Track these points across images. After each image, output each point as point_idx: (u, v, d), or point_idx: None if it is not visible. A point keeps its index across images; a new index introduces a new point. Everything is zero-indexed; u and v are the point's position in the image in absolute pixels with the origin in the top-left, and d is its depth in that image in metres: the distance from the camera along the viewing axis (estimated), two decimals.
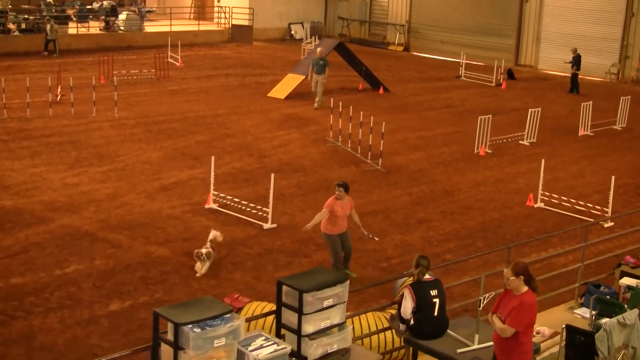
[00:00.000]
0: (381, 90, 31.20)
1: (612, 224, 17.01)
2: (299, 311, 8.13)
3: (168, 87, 29.80)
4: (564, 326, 10.00)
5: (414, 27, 45.01)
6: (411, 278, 9.43)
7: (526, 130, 24.09)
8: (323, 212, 13.26)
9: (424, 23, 44.50)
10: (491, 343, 9.07)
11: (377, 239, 14.66)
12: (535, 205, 18.13)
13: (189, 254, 14.36)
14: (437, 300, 9.17)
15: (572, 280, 12.93)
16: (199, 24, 43.71)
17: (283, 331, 8.41)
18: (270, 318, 9.49)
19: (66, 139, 21.70)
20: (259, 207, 16.49)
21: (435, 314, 9.12)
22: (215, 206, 16.88)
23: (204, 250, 13.68)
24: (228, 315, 7.54)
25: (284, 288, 8.32)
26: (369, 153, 20.80)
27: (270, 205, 16.01)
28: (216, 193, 17.12)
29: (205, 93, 29.19)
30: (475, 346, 8.98)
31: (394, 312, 9.71)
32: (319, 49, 28.20)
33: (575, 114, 26.90)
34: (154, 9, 46.05)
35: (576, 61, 32.83)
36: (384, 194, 18.53)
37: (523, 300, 8.24)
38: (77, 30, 38.87)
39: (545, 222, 17.18)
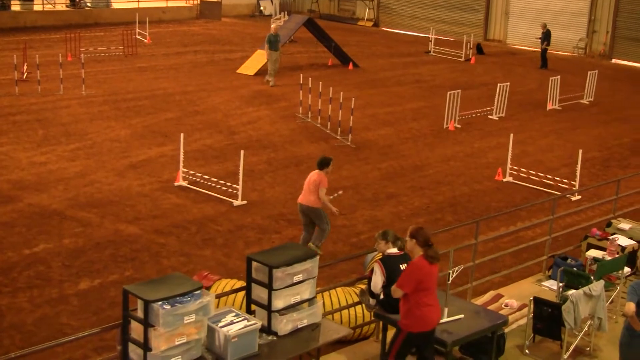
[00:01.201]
0: (351, 66, 31.16)
1: (579, 197, 17.19)
2: (269, 287, 8.16)
3: (136, 64, 29.55)
4: (531, 298, 10.12)
5: (384, 3, 44.92)
6: (380, 253, 9.45)
7: (495, 105, 24.20)
8: (324, 190, 13.31)
9: None
10: (461, 315, 9.16)
11: (341, 192, 14.63)
12: (504, 180, 18.26)
13: (158, 231, 14.33)
14: None
15: (540, 253, 13.07)
16: (167, 0, 43.30)
17: (253, 307, 8.44)
18: (241, 294, 9.51)
19: (33, 117, 21.47)
20: (229, 184, 16.45)
21: None
22: (184, 183, 16.82)
23: None
24: (198, 292, 7.55)
25: (254, 264, 8.35)
26: (339, 129, 20.80)
27: (240, 182, 15.98)
28: (186, 170, 17.05)
29: (174, 70, 28.99)
30: (445, 319, 9.05)
31: (364, 287, 9.75)
32: (273, 25, 27.96)
33: (543, 88, 27.06)
34: None
35: (546, 36, 33.00)
36: (354, 169, 18.56)
37: (412, 262, 8.51)
38: (43, 7, 38.34)
39: (514, 196, 17.31)
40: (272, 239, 14.28)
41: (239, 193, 16.00)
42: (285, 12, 40.24)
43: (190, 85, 26.37)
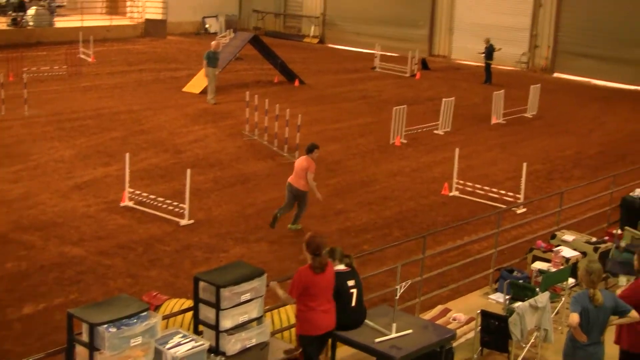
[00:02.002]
0: (297, 83, 31.25)
1: (524, 209, 17.43)
2: (217, 307, 8.11)
3: (80, 84, 29.25)
4: (479, 312, 10.22)
5: (329, 19, 45.18)
6: None
7: (440, 119, 24.46)
8: (312, 175, 15.27)
9: (338, 15, 44.68)
10: (410, 330, 9.21)
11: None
12: (450, 194, 18.44)
13: (104, 252, 14.18)
14: (354, 290, 9.24)
15: (487, 266, 13.20)
16: (111, 19, 42.96)
17: (201, 327, 8.38)
18: (189, 315, 9.43)
19: None
20: (176, 203, 16.34)
21: (353, 304, 9.19)
22: (130, 204, 16.68)
23: None
24: (144, 313, 7.48)
25: (201, 284, 8.30)
26: (286, 146, 20.83)
27: (187, 201, 15.90)
28: (132, 190, 16.90)
29: (119, 89, 28.77)
30: (393, 335, 9.09)
31: None
32: (213, 42, 27.90)
33: (487, 102, 27.43)
34: (64, 3, 45.01)
35: (489, 51, 33.50)
36: None
37: (298, 269, 8.77)
38: None
39: (460, 209, 17.49)
40: (220, 258, 14.22)
41: (186, 212, 15.91)
42: (231, 30, 40.24)
43: (135, 104, 26.18)
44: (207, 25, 46.33)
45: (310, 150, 15.42)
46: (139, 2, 43.75)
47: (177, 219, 15.93)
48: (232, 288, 8.13)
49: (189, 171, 15.95)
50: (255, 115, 22.43)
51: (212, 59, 26.89)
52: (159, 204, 16.49)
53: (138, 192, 16.94)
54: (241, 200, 17.38)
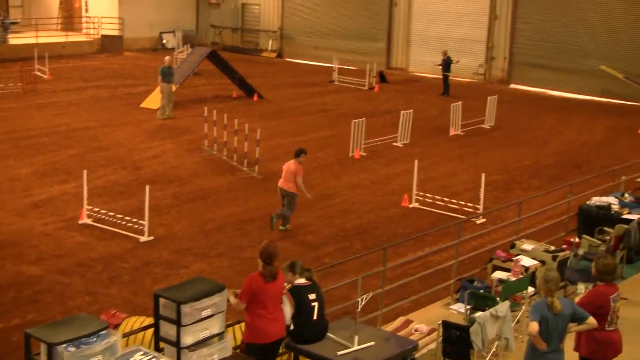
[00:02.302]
0: (255, 97, 31.25)
1: (483, 220, 17.57)
2: (177, 323, 8.04)
3: (36, 101, 28.95)
4: (440, 322, 10.26)
5: (287, 34, 45.28)
6: (289, 285, 9.46)
7: (399, 132, 24.60)
8: (301, 179, 16.24)
9: (296, 29, 44.81)
10: (372, 343, 9.21)
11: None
12: (411, 206, 18.54)
13: (62, 271, 14.01)
14: (315, 303, 9.24)
15: (448, 277, 13.28)
16: (66, 35, 42.64)
17: (162, 344, 8.31)
18: (149, 332, 9.35)
19: None
20: (135, 220, 16.23)
21: (315, 317, 9.18)
22: (89, 221, 16.52)
23: None
24: (104, 331, 7.39)
25: (161, 300, 8.23)
26: (245, 160, 20.81)
27: (146, 218, 15.79)
28: (90, 207, 16.75)
29: (75, 106, 28.52)
30: (355, 347, 9.08)
31: None
32: (167, 57, 27.81)
33: (445, 114, 27.65)
34: (19, 20, 44.59)
35: (446, 63, 33.81)
36: (261, 200, 18.55)
37: (249, 276, 8.95)
38: None
39: (421, 221, 17.58)
40: (181, 274, 14.13)
41: (145, 229, 15.80)
42: (188, 45, 40.14)
43: (92, 121, 25.97)
44: (164, 41, 46.18)
45: (297, 154, 16.45)
46: (94, 19, 43.47)
47: (136, 236, 15.81)
48: (193, 304, 8.07)
49: (147, 187, 15.86)
50: (214, 130, 22.38)
51: (167, 74, 26.81)
52: (118, 221, 16.36)
53: (96, 209, 16.80)
54: (201, 216, 17.30)
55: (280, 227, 16.63)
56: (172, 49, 42.99)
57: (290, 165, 16.43)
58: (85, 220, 16.54)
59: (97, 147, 22.69)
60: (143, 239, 15.71)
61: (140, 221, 16.03)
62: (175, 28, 46.76)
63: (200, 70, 34.45)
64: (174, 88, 28.26)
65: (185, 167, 21.07)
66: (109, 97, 30.41)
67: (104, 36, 43.38)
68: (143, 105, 28.73)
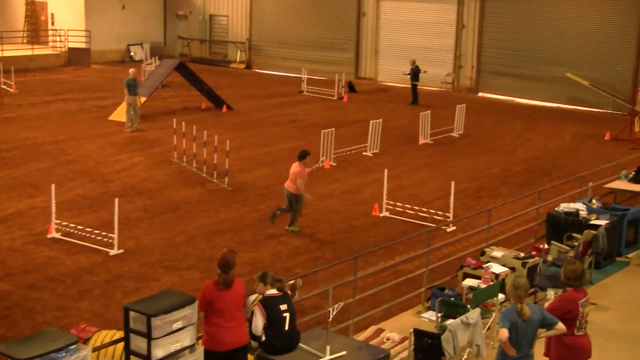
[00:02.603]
0: (224, 109, 31.21)
1: (454, 228, 17.65)
2: (148, 336, 8.01)
3: (2, 115, 28.70)
4: (412, 330, 10.29)
5: (255, 45, 45.30)
6: (260, 295, 9.47)
7: (369, 141, 24.67)
8: (301, 181, 16.67)
9: (264, 40, 44.86)
10: (343, 352, 9.23)
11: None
12: (381, 215, 18.59)
13: (31, 286, 13.89)
14: (287, 314, 9.26)
15: (419, 285, 13.32)
16: (33, 48, 42.36)
17: (133, 358, 8.27)
18: (120, 346, 9.29)
19: None
20: (104, 233, 16.13)
21: (286, 328, 9.20)
22: (58, 235, 16.40)
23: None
24: (73, 346, 7.35)
25: (132, 314, 8.19)
26: (215, 172, 20.77)
27: (116, 231, 15.70)
28: (59, 221, 16.62)
29: (43, 119, 28.32)
30: (327, 357, 9.11)
31: None
32: (131, 70, 27.71)
33: (415, 123, 27.78)
34: None
35: (414, 73, 34.02)
36: (232, 212, 18.53)
37: (205, 283, 9.12)
38: None
39: (391, 230, 17.64)
40: (151, 287, 14.05)
41: (115, 242, 15.71)
42: (156, 57, 40.02)
43: (60, 134, 25.80)
44: (132, 53, 46.03)
45: (301, 156, 17.01)
46: (61, 31, 43.21)
47: (106, 249, 15.71)
48: (164, 317, 8.05)
49: (117, 200, 15.78)
50: (183, 142, 22.33)
51: (133, 87, 26.73)
52: (88, 235, 16.24)
53: (65, 223, 16.67)
54: (171, 228, 17.24)
55: (287, 228, 17.20)
56: (140, 61, 42.85)
57: (294, 167, 17.01)
58: (54, 234, 16.41)
59: (66, 161, 22.54)
60: (113, 252, 15.62)
61: (109, 234, 15.93)
62: (143, 40, 46.64)
63: (169, 82, 34.36)
64: (142, 100, 28.19)
65: (155, 180, 20.99)
66: (76, 110, 30.23)
67: (71, 49, 43.14)
68: (111, 118, 28.59)
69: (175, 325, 8.17)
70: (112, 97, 32.26)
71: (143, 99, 28.63)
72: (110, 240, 15.81)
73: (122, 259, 15.42)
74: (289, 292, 12.82)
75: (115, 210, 15.58)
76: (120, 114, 28.47)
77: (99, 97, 33.15)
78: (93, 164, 22.30)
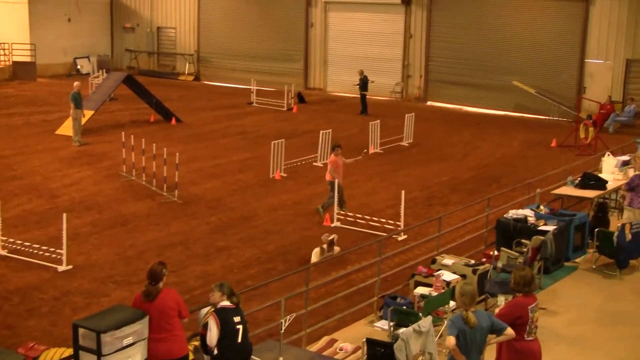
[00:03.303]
0: (173, 121, 31.05)
1: (405, 236, 17.74)
2: (98, 353, 7.94)
3: None
4: (364, 340, 10.32)
5: (203, 56, 45.17)
6: (213, 307, 9.42)
7: (319, 151, 24.72)
8: (332, 168, 18.97)
9: (213, 52, 44.76)
10: None
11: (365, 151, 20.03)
12: (332, 225, 18.61)
13: None
14: (240, 326, 9.23)
15: (371, 294, 13.35)
16: None
17: None
18: None
19: None
20: (53, 249, 15.91)
21: (239, 340, 9.16)
22: (4, 252, 16.12)
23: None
24: None
25: (81, 330, 8.11)
26: (165, 185, 20.63)
27: (64, 246, 15.49)
28: (5, 238, 16.35)
29: None
30: None
31: (197, 343, 9.65)
32: (76, 83, 27.45)
33: (364, 133, 27.92)
34: None
35: (363, 83, 34.24)
36: (182, 225, 18.41)
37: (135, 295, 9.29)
38: None
39: (343, 240, 17.62)
40: (101, 303, 13.88)
41: (64, 258, 15.50)
42: (104, 70, 39.67)
43: (6, 149, 25.40)
44: (78, 67, 45.60)
45: (333, 148, 19.56)
46: (5, 45, 42.61)
47: (54, 266, 15.49)
48: (114, 333, 7.99)
49: (65, 215, 15.57)
50: (132, 155, 22.15)
51: (79, 100, 26.49)
52: (35, 251, 16.00)
53: (12, 240, 16.42)
54: (121, 243, 17.07)
55: (317, 207, 19.23)
56: (87, 75, 42.46)
57: (330, 158, 19.53)
58: (0, 251, 16.14)
59: (12, 176, 22.20)
60: (61, 268, 15.40)
61: (58, 250, 15.72)
62: (89, 53, 46.24)
63: (117, 95, 34.10)
64: (90, 113, 27.94)
65: (104, 194, 20.77)
66: (22, 125, 29.82)
67: (15, 62, 42.55)
68: (58, 132, 28.26)
69: (126, 341, 8.11)
70: (59, 111, 31.87)
71: (90, 113, 28.36)
72: (59, 256, 15.60)
73: (71, 275, 15.22)
74: (326, 247, 15.66)
75: (64, 226, 15.38)
76: (67, 128, 28.14)
77: (45, 111, 32.73)
78: (40, 179, 22.00)
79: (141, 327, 8.25)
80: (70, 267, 15.48)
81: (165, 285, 9.40)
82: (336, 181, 18.78)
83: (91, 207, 19.60)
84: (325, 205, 19.10)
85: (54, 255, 15.74)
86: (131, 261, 16.07)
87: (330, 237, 16.16)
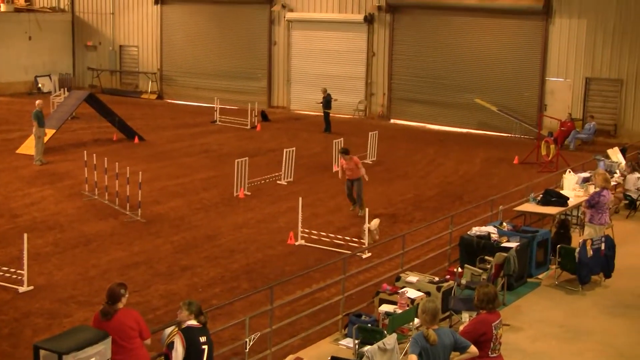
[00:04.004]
0: (136, 140, 30.88)
1: (369, 254, 17.77)
2: None
3: None
4: (329, 358, 10.32)
5: (166, 75, 45.01)
6: (180, 325, 9.36)
7: (283, 170, 24.72)
8: (340, 171, 21.44)
9: (176, 70, 44.61)
10: None
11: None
12: (297, 243, 18.60)
13: None
14: (205, 347, 9.19)
15: (336, 312, 13.36)
16: None
17: None
18: None
19: None
20: (13, 269, 15.72)
21: None
22: None
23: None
24: None
25: (42, 352, 8.01)
26: (128, 204, 20.49)
27: (25, 267, 15.30)
28: None
29: None
30: None
31: None
32: (38, 101, 27.23)
33: (328, 151, 27.97)
34: None
35: (326, 101, 34.35)
36: (146, 244, 18.29)
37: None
38: None
39: (307, 258, 17.65)
40: (63, 324, 13.72)
41: (25, 278, 15.30)
42: (65, 89, 39.38)
43: None
44: (39, 85, 45.21)
45: (341, 152, 21.52)
46: None
47: (15, 286, 15.29)
48: (76, 354, 7.91)
49: (26, 235, 15.39)
50: (95, 174, 21.99)
51: (42, 118, 26.28)
52: None
53: None
54: (84, 262, 16.90)
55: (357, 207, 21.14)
56: (49, 93, 42.10)
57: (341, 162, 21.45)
58: None
59: None
60: (22, 289, 15.20)
61: (19, 271, 15.53)
62: (51, 71, 45.87)
63: (79, 114, 33.87)
64: (52, 132, 27.71)
65: (66, 213, 20.58)
66: None
67: None
68: (19, 151, 27.97)
69: None
70: (20, 130, 31.56)
71: (52, 131, 28.12)
72: (20, 277, 15.41)
73: (32, 295, 15.03)
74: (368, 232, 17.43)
75: (24, 246, 15.20)
76: (28, 147, 27.86)
77: (5, 130, 32.39)
78: (0, 199, 21.74)
79: (104, 347, 8.17)
80: (31, 287, 15.30)
81: (128, 306, 9.33)
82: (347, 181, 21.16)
83: (53, 226, 19.41)
84: (358, 203, 21.15)
85: (14, 276, 15.55)
86: (94, 281, 15.91)
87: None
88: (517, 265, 14.46)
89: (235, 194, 22.76)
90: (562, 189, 19.47)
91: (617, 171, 22.50)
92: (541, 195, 18.22)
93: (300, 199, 19.04)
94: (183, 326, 9.23)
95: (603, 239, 15.50)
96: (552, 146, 27.49)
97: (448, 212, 19.47)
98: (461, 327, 10.20)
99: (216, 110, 36.72)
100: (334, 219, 20.83)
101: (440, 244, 17.30)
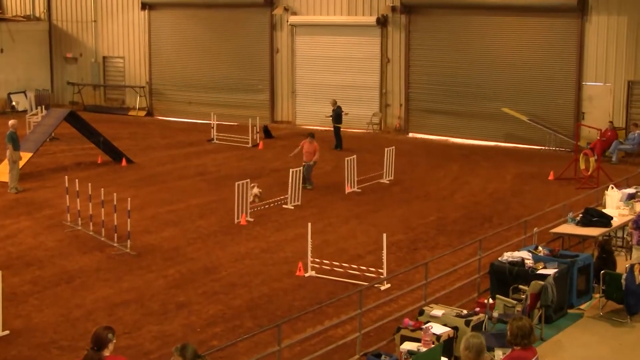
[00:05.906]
0: (124, 162, 30.98)
1: (388, 285, 17.72)
2: None
3: None
4: None
5: (156, 89, 45.17)
6: None
7: (289, 192, 24.73)
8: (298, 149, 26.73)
9: (167, 83, 44.78)
10: None
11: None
12: (306, 274, 18.57)
13: None
14: None
15: (352, 352, 13.34)
16: None
17: None
18: None
19: None
20: None
21: None
22: None
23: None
24: None
25: None
26: (115, 235, 20.53)
27: (0, 309, 15.31)
28: None
29: None
30: None
31: None
32: (11, 121, 27.35)
33: (339, 170, 28.01)
34: None
35: (337, 114, 34.36)
36: (136, 279, 18.29)
37: None
38: None
39: (319, 291, 17.62)
40: None
41: None
42: (43, 106, 39.55)
43: None
44: (14, 103, 45.45)
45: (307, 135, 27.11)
46: None
47: None
48: None
49: (0, 273, 15.41)
50: (78, 202, 22.04)
51: (17, 141, 26.39)
52: None
53: None
54: (66, 302, 16.90)
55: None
56: (24, 112, 42.32)
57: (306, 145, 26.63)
58: None
59: None
60: None
61: None
62: (26, 88, 46.12)
63: (58, 135, 34.02)
64: (29, 156, 27.83)
65: (45, 247, 20.62)
66: None
67: None
68: None
69: None
70: None
71: (29, 155, 28.23)
72: None
73: (9, 341, 15.02)
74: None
75: None
76: (2, 173, 27.96)
77: None
78: None
79: None
80: (7, 332, 15.29)
81: (117, 351, 9.31)
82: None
83: (31, 262, 19.44)
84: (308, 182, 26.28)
85: None
86: (78, 323, 15.90)
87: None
88: (556, 294, 14.38)
89: (236, 221, 22.77)
90: (604, 207, 19.42)
91: None
92: (581, 215, 18.16)
93: (309, 224, 19.01)
94: None
95: None
96: (592, 159, 27.44)
97: (476, 236, 19.41)
98: None
99: (213, 127, 36.81)
100: (347, 247, 20.80)
101: (468, 272, 17.26)
